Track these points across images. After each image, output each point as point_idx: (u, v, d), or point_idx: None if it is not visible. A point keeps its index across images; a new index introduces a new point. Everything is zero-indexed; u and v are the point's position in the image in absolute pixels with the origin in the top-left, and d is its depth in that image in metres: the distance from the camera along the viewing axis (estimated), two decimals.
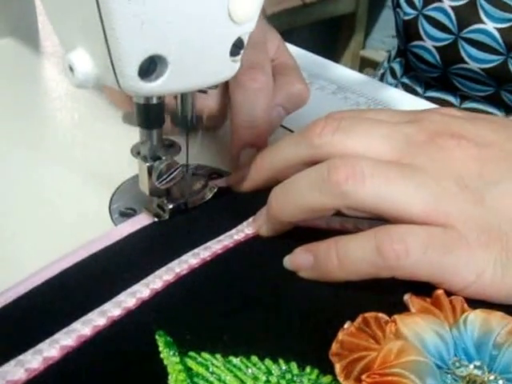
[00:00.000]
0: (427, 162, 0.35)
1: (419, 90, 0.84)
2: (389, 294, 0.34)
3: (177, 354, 0.30)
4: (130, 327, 0.32)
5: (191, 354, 0.30)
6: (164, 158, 0.38)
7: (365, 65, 2.46)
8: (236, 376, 0.29)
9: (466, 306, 0.33)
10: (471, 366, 0.30)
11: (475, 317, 0.32)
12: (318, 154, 0.37)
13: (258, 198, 0.40)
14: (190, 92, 0.38)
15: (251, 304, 0.34)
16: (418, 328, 0.31)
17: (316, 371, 0.30)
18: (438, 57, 0.77)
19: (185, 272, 0.35)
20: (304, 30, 2.12)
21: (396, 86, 0.87)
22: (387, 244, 0.32)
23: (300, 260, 0.36)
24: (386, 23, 2.43)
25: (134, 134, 0.49)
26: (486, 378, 0.29)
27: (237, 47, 0.34)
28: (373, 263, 0.33)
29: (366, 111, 0.42)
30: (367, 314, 0.32)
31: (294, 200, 0.36)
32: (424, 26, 0.77)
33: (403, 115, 0.39)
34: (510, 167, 0.35)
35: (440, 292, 0.33)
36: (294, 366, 0.30)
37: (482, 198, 0.33)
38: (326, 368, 0.30)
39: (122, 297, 0.34)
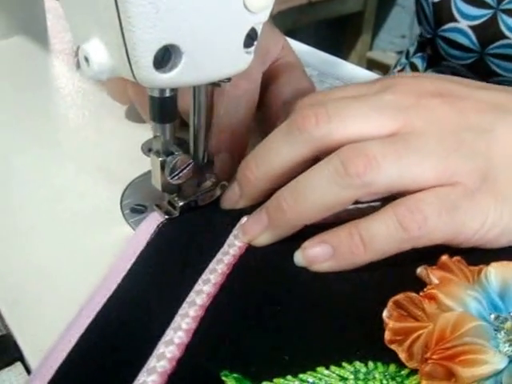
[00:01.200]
0: (423, 126, 0.35)
1: None
2: (399, 271, 0.35)
3: None
4: (195, 369, 0.30)
5: (265, 383, 0.29)
6: (177, 153, 0.38)
7: (372, 67, 2.45)
8: None
9: (465, 263, 0.34)
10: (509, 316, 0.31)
11: (495, 270, 0.33)
12: (321, 146, 0.36)
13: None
14: (204, 86, 0.38)
15: (288, 315, 0.33)
16: (458, 295, 0.31)
17: (379, 364, 0.30)
18: (474, 37, 0.74)
19: (208, 303, 0.34)
20: (309, 29, 2.11)
21: None
22: (408, 217, 0.33)
23: (315, 253, 0.35)
24: (396, 23, 2.41)
25: (144, 131, 0.49)
26: None
27: (250, 38, 0.34)
28: (398, 238, 0.33)
29: (332, 92, 0.41)
30: (397, 297, 0.32)
31: (313, 200, 0.35)
32: (458, 5, 0.74)
33: (370, 86, 0.40)
34: (495, 116, 0.36)
35: (445, 257, 0.34)
36: (359, 365, 0.30)
37: (478, 148, 0.35)
38: (384, 358, 0.30)
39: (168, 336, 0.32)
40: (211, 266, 0.36)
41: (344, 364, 0.30)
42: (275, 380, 0.29)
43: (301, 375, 0.29)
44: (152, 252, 0.38)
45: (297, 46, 0.75)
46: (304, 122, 0.36)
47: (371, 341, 0.31)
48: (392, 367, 0.29)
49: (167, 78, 0.32)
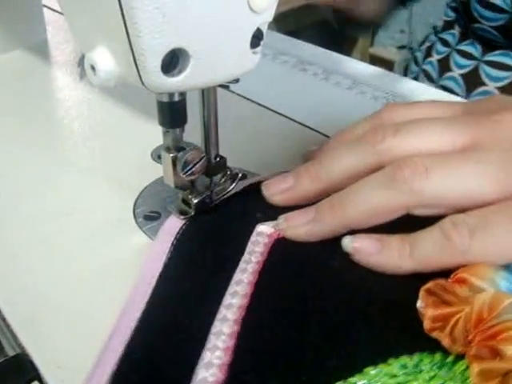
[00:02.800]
0: (487, 138, 0.34)
1: (477, 54, 0.81)
2: None
3: None
4: None
5: None
6: (188, 148, 0.38)
7: (375, 62, 2.44)
8: None
9: None
10: None
11: None
12: (383, 158, 0.36)
13: None
14: (212, 87, 0.37)
15: (325, 319, 0.33)
16: (487, 276, 0.31)
17: (425, 354, 0.29)
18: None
19: (241, 317, 0.33)
20: (311, 30, 2.12)
21: (449, 55, 0.85)
22: (451, 228, 0.32)
23: (365, 243, 0.35)
24: (394, 20, 2.42)
25: (153, 138, 0.48)
26: None
27: (257, 38, 0.34)
28: (442, 249, 0.32)
29: (419, 105, 0.41)
30: (428, 285, 0.31)
31: (361, 201, 0.35)
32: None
33: (457, 107, 0.39)
34: None
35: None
36: (405, 359, 0.29)
37: None
38: (429, 348, 0.30)
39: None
40: (236, 276, 0.35)
41: (390, 361, 0.29)
42: None
43: (350, 379, 0.29)
44: (172, 270, 0.37)
45: (300, 45, 0.75)
46: (372, 135, 0.37)
47: (412, 333, 0.30)
48: (438, 356, 0.29)
49: (176, 82, 0.31)
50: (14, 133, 0.55)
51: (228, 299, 0.33)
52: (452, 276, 0.32)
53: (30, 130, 0.56)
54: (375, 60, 2.47)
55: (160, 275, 0.36)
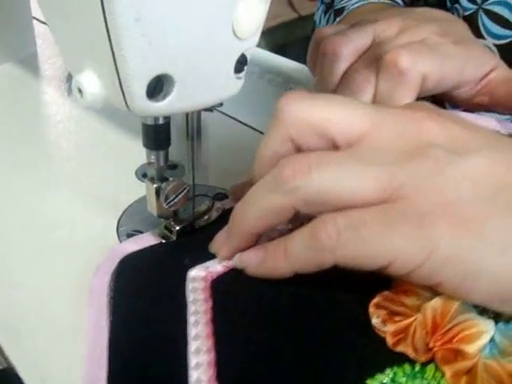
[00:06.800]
0: (384, 134, 0.32)
1: None
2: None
3: None
4: None
5: None
6: (171, 179, 0.38)
7: None
8: None
9: None
10: None
11: None
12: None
13: None
14: (196, 111, 0.38)
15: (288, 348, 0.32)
16: None
17: (395, 368, 0.30)
18: (498, 56, 0.73)
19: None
20: (301, 44, 2.12)
21: None
22: (320, 226, 0.31)
23: (249, 256, 0.35)
24: None
25: (138, 157, 0.49)
26: None
27: (240, 63, 0.35)
28: (310, 247, 0.31)
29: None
30: (375, 300, 0.32)
31: (254, 206, 0.34)
32: (484, 22, 0.72)
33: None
34: (481, 141, 0.32)
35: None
36: (381, 376, 0.29)
37: (444, 168, 0.30)
38: (397, 360, 0.30)
39: None
40: (191, 332, 0.33)
41: (368, 381, 0.29)
42: None
43: None
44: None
45: (286, 62, 0.76)
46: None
47: (375, 350, 0.31)
48: (407, 367, 0.30)
49: (160, 107, 0.32)
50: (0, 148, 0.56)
51: (193, 359, 0.32)
52: (394, 286, 0.32)
53: (14, 145, 0.56)
54: None
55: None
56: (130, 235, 0.43)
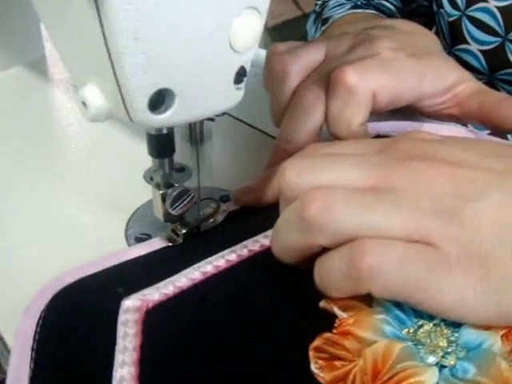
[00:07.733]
0: (402, 184, 0.32)
1: None
2: (302, 309, 0.33)
3: None
4: None
5: None
6: (176, 184, 0.39)
7: None
8: None
9: None
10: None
11: None
12: (288, 196, 0.35)
13: (270, 219, 0.38)
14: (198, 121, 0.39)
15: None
16: (370, 324, 0.31)
17: None
18: (483, 61, 0.72)
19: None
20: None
21: None
22: (360, 257, 0.30)
23: None
24: None
25: (146, 159, 0.50)
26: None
27: (240, 75, 0.35)
28: (348, 276, 0.31)
29: (333, 144, 0.39)
30: (315, 343, 0.31)
31: (282, 245, 0.35)
32: (468, 28, 0.72)
33: (370, 146, 0.37)
34: (485, 185, 0.32)
35: None
36: None
37: (461, 216, 0.31)
38: None
39: None
40: (116, 375, 0.31)
41: None
42: None
43: None
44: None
45: None
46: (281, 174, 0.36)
47: None
48: None
49: (162, 119, 0.33)
50: (7, 151, 0.57)
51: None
52: (335, 327, 0.31)
53: (24, 149, 0.57)
54: None
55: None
56: (138, 238, 0.44)
